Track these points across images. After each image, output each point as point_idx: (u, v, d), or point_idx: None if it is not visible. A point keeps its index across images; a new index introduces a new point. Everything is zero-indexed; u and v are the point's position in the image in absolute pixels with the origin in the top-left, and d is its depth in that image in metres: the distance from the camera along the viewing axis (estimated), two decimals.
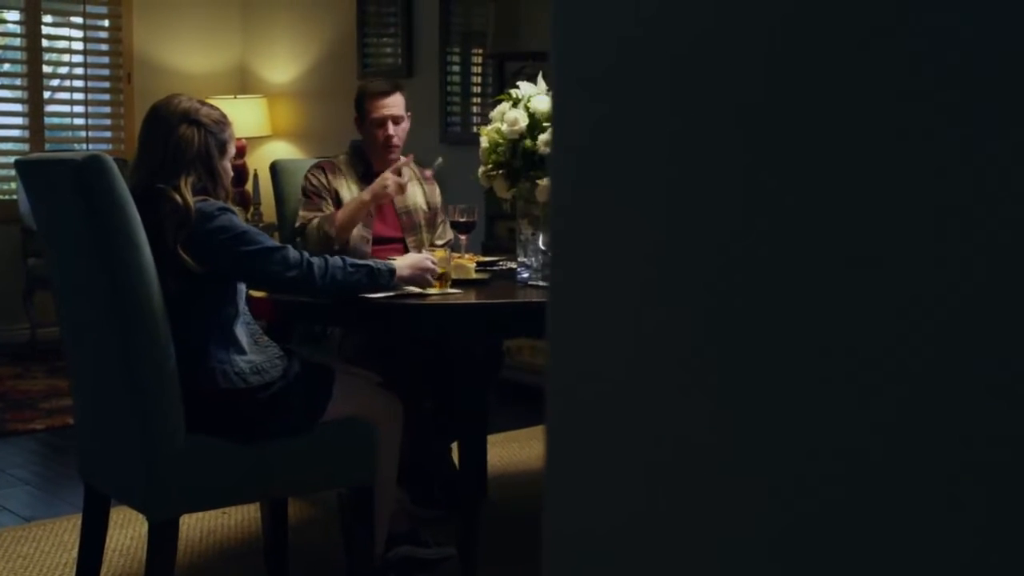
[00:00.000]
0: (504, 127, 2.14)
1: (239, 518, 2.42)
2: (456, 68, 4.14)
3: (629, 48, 0.38)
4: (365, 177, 2.39)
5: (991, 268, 0.31)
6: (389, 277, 1.87)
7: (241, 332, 1.76)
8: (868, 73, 0.33)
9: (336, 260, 1.80)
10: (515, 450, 2.99)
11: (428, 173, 2.55)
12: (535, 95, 2.17)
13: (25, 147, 4.60)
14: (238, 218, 1.76)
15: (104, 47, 4.82)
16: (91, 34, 4.79)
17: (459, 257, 2.18)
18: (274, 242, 1.79)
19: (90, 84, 4.80)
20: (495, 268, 2.30)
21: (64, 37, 4.84)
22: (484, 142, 2.18)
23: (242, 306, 1.79)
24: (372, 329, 2.25)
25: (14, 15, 4.60)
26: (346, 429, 1.82)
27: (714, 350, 0.37)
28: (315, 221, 2.27)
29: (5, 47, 4.65)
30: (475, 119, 4.04)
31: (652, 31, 0.38)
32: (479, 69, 4.10)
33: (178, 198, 1.69)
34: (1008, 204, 0.30)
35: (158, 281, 1.63)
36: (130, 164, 1.87)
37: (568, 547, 0.41)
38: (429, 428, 2.37)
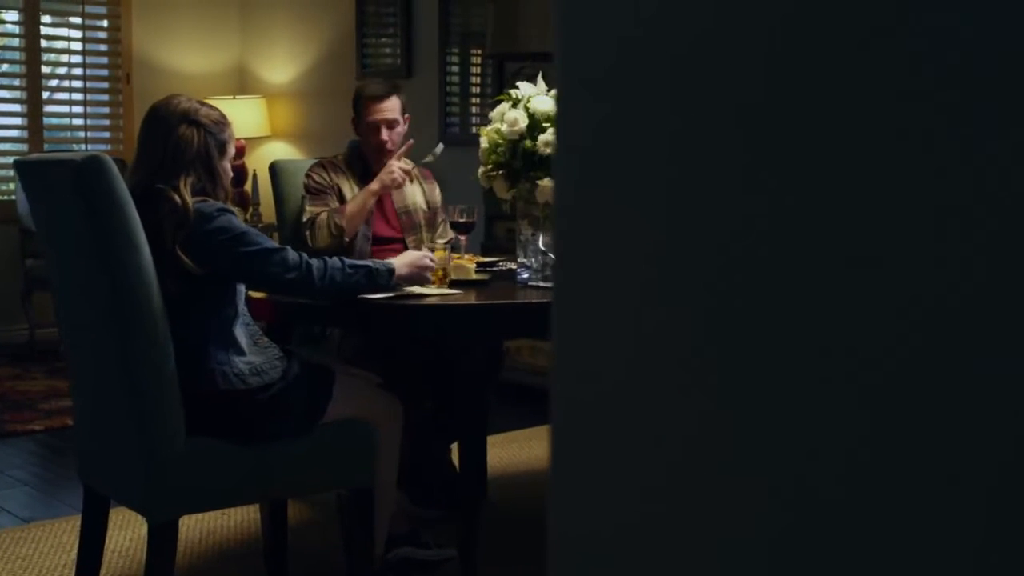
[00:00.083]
0: (504, 127, 2.14)
1: (239, 519, 2.42)
2: (455, 68, 4.14)
3: (629, 48, 0.38)
4: (364, 177, 2.40)
5: (991, 268, 0.31)
6: (388, 277, 1.87)
7: (240, 333, 1.76)
8: (868, 73, 0.33)
9: (335, 261, 1.80)
10: (515, 451, 2.99)
11: (428, 172, 2.55)
12: (535, 95, 2.17)
13: (24, 147, 4.60)
14: (237, 219, 1.76)
15: (103, 47, 4.82)
16: (90, 34, 4.79)
17: (459, 258, 2.18)
18: (273, 243, 1.79)
19: (89, 84, 4.80)
20: (495, 269, 2.30)
21: (63, 37, 4.84)
22: (484, 142, 2.18)
23: (241, 307, 1.79)
24: (372, 330, 2.25)
25: (13, 15, 4.60)
26: (346, 430, 1.82)
27: (714, 350, 0.37)
28: (324, 214, 2.28)
29: (4, 47, 4.65)
30: (474, 119, 4.04)
31: (652, 31, 0.38)
32: (478, 69, 4.10)
33: (177, 198, 1.69)
34: (1008, 204, 0.30)
35: (157, 282, 1.63)
36: (129, 165, 1.86)
37: (572, 548, 0.41)
38: (429, 429, 2.37)
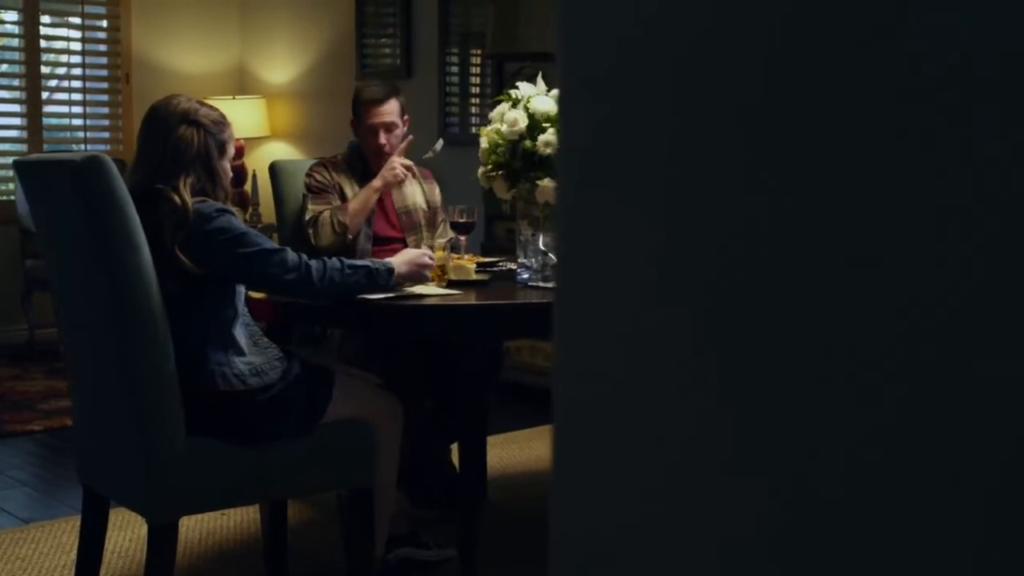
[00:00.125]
0: (504, 128, 2.14)
1: (238, 520, 2.42)
2: (455, 68, 4.14)
3: (630, 48, 0.38)
4: (364, 177, 2.40)
5: (991, 268, 0.31)
6: (388, 276, 1.87)
7: (240, 334, 1.76)
8: (868, 73, 0.33)
9: (334, 262, 1.80)
10: (515, 451, 2.99)
11: (428, 172, 2.56)
12: (535, 96, 2.17)
13: (23, 148, 4.60)
14: (237, 219, 1.76)
15: (102, 47, 4.82)
16: (89, 34, 4.79)
17: (459, 258, 2.18)
18: (273, 244, 1.79)
19: (88, 85, 4.80)
20: (495, 269, 2.30)
21: (62, 38, 4.84)
22: (484, 143, 2.18)
23: (241, 307, 1.79)
24: (372, 330, 2.25)
25: (12, 15, 4.60)
26: (346, 431, 1.82)
27: (714, 350, 0.37)
28: (327, 212, 2.29)
29: (3, 47, 4.64)
30: (474, 119, 4.04)
31: (652, 31, 0.38)
32: (478, 69, 4.10)
33: (176, 199, 1.69)
34: (1008, 204, 0.30)
35: (157, 282, 1.63)
36: (129, 165, 1.86)
37: (574, 548, 0.41)
38: (429, 429, 2.37)
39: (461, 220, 2.26)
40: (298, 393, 1.77)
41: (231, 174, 1.85)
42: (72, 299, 1.78)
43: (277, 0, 4.88)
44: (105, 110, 4.86)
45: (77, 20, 4.76)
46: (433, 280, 2.04)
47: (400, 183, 2.38)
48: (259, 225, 4.40)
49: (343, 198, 2.36)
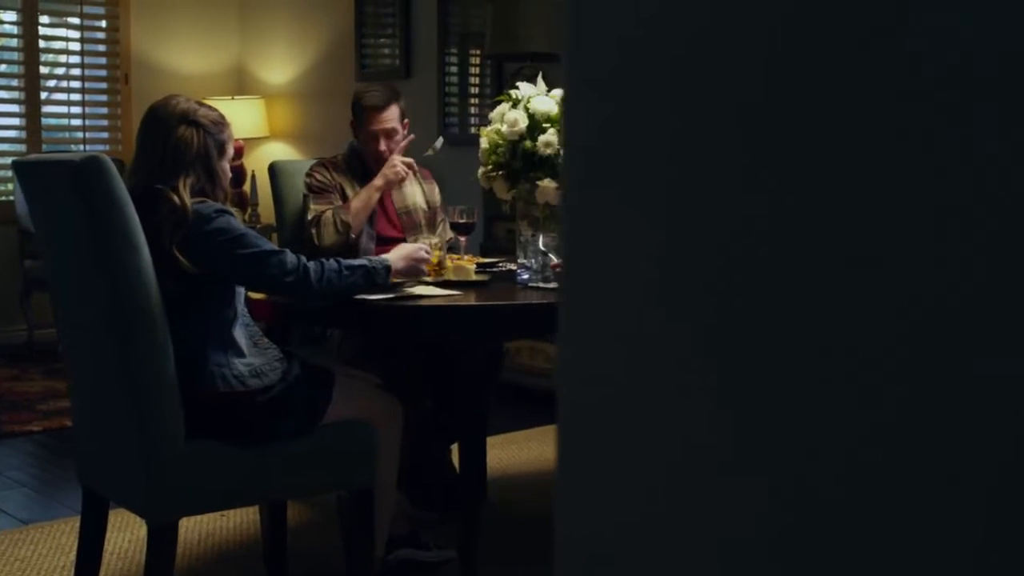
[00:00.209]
0: (504, 128, 2.14)
1: (238, 521, 2.41)
2: (454, 69, 4.15)
3: (630, 48, 0.38)
4: (364, 178, 2.40)
5: (991, 268, 0.31)
6: (386, 274, 1.87)
7: (240, 335, 1.76)
8: (868, 73, 0.33)
9: (332, 263, 1.80)
10: (514, 452, 2.99)
11: (428, 173, 2.56)
12: (535, 96, 2.17)
13: (22, 148, 4.60)
14: (236, 220, 1.76)
15: (101, 48, 4.81)
16: (88, 35, 4.78)
17: (459, 258, 2.19)
18: (272, 245, 1.79)
19: (87, 85, 4.79)
20: (495, 270, 2.30)
21: (61, 38, 4.84)
22: (484, 143, 2.18)
23: (241, 308, 1.79)
24: (372, 331, 2.25)
25: (11, 16, 4.60)
26: (346, 431, 1.82)
27: (714, 350, 0.37)
28: (329, 212, 2.29)
29: (2, 48, 4.64)
30: (473, 120, 4.04)
31: (652, 31, 0.38)
32: (477, 70, 4.11)
33: (176, 199, 1.69)
34: (1008, 204, 0.30)
35: (156, 283, 1.63)
36: (128, 165, 1.86)
37: (577, 548, 0.41)
38: (429, 429, 2.37)
39: (461, 220, 2.26)
40: (298, 394, 1.77)
41: (230, 174, 1.85)
42: (71, 300, 1.78)
43: (276, 0, 4.88)
44: (104, 110, 4.85)
45: (76, 20, 4.76)
46: (430, 275, 2.05)
47: (401, 181, 2.38)
48: (258, 226, 4.40)
49: (344, 198, 2.36)
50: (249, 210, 4.56)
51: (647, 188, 0.39)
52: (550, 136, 2.10)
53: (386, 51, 4.42)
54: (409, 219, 2.47)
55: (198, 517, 2.35)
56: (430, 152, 2.46)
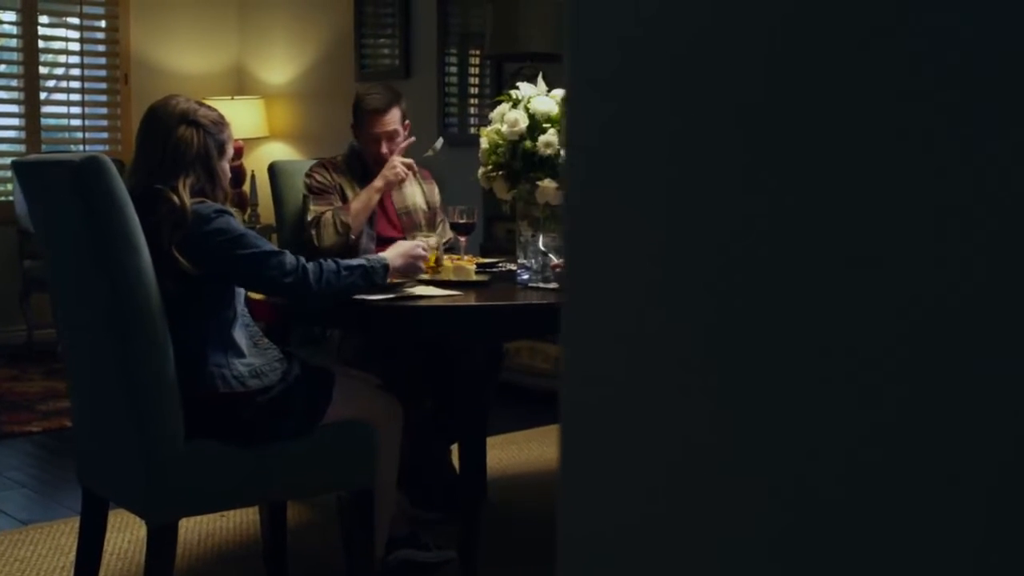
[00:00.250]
0: (504, 128, 2.14)
1: (238, 521, 2.41)
2: (454, 69, 4.15)
3: (630, 48, 0.38)
4: (364, 179, 2.41)
5: (991, 268, 0.31)
6: (384, 273, 1.87)
7: (240, 335, 1.76)
8: (868, 73, 0.33)
9: (330, 264, 1.80)
10: (514, 452, 2.99)
11: (427, 173, 2.56)
12: (535, 96, 2.17)
13: (21, 148, 4.60)
14: (236, 220, 1.76)
15: (101, 48, 4.81)
16: (88, 35, 4.78)
17: (459, 259, 2.19)
18: (271, 246, 1.78)
19: (87, 85, 4.79)
20: (495, 270, 2.30)
21: (61, 38, 4.84)
22: (484, 143, 2.18)
23: (240, 308, 1.79)
24: (371, 331, 2.25)
25: (10, 16, 4.59)
26: (346, 432, 1.82)
27: (714, 350, 0.37)
28: (329, 213, 2.29)
29: (1, 48, 4.64)
30: (473, 120, 4.04)
31: (652, 31, 0.38)
32: (477, 70, 4.11)
33: (175, 199, 1.69)
34: (1008, 204, 0.30)
35: (156, 283, 1.63)
36: (128, 165, 1.86)
37: (578, 548, 0.41)
38: (429, 429, 2.37)
39: (461, 221, 2.26)
40: (298, 394, 1.77)
41: (230, 175, 1.85)
42: (71, 300, 1.78)
43: (276, 0, 4.88)
44: (104, 110, 4.85)
45: (75, 20, 4.76)
46: (427, 272, 2.06)
47: (401, 182, 2.38)
48: (258, 226, 4.40)
49: (344, 199, 2.36)
50: (249, 210, 4.56)
51: (647, 188, 0.39)
52: (550, 136, 2.10)
53: (386, 51, 4.42)
54: (409, 219, 2.47)
55: (198, 517, 2.35)
56: (430, 153, 2.46)
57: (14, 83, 4.62)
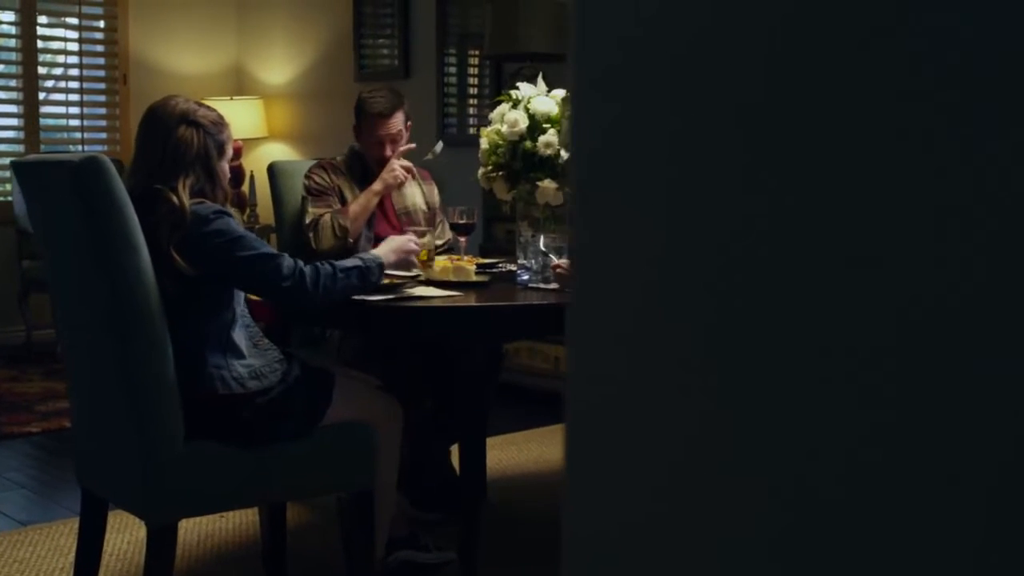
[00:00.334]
0: (504, 128, 2.14)
1: (237, 522, 2.41)
2: (453, 69, 4.15)
3: (630, 49, 0.38)
4: (364, 180, 2.41)
5: (991, 268, 0.31)
6: (379, 272, 1.87)
7: (239, 336, 1.75)
8: (868, 73, 0.33)
9: (326, 267, 1.80)
10: (514, 452, 2.99)
11: (427, 173, 2.56)
12: (535, 96, 2.17)
13: (20, 148, 4.60)
14: (235, 221, 1.76)
15: (100, 48, 4.81)
16: (87, 35, 4.78)
17: (459, 259, 2.19)
18: (270, 248, 1.78)
19: (86, 85, 4.79)
20: (495, 270, 2.30)
21: (59, 38, 4.83)
22: (484, 143, 2.18)
23: (240, 309, 1.79)
24: (371, 331, 2.25)
25: (9, 16, 4.59)
26: (346, 433, 1.81)
27: (714, 350, 0.37)
28: (327, 216, 2.29)
29: (0, 48, 4.64)
30: (472, 120, 4.04)
31: (652, 31, 0.38)
32: (476, 70, 4.11)
33: (174, 199, 1.69)
34: (1008, 204, 0.30)
35: (156, 284, 1.63)
36: (127, 166, 1.86)
37: (583, 548, 0.41)
38: (429, 430, 2.37)
39: (461, 221, 2.26)
40: (298, 395, 1.77)
41: (229, 175, 1.85)
42: (70, 300, 1.78)
43: (275, 0, 4.88)
44: (102, 111, 4.85)
45: (74, 20, 4.75)
46: (419, 266, 2.07)
47: (400, 185, 2.38)
48: (257, 226, 4.40)
49: (343, 201, 2.36)
50: (248, 211, 4.56)
51: (648, 188, 0.39)
52: (550, 137, 2.10)
53: (385, 51, 4.42)
54: (409, 220, 2.47)
55: (197, 518, 2.35)
56: (429, 156, 2.46)
57: (13, 83, 4.62)
